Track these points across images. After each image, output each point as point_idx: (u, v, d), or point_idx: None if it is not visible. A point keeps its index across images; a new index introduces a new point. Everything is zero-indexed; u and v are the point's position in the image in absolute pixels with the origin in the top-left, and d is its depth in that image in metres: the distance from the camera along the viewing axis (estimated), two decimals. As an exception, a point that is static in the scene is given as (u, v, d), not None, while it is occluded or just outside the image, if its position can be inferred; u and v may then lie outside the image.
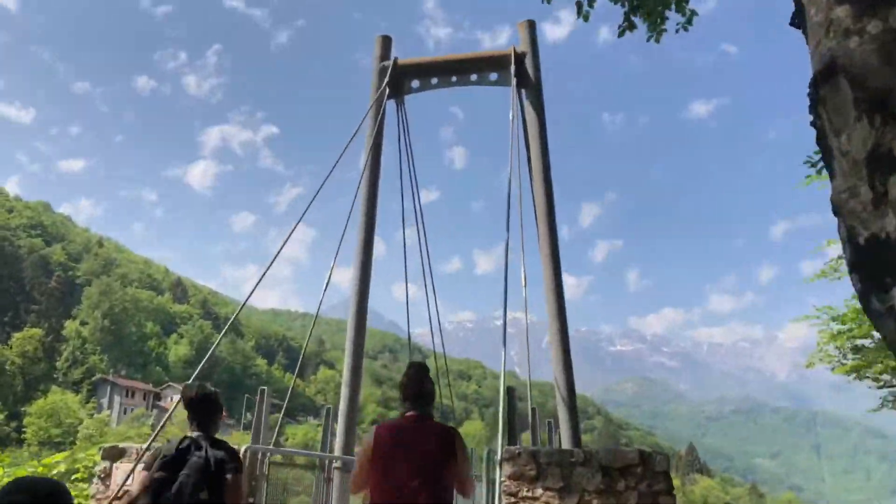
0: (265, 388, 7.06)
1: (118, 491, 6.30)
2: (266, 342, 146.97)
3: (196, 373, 7.78)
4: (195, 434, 4.01)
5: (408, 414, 3.54)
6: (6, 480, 7.71)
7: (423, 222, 14.42)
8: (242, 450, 6.42)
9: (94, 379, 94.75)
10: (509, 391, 6.46)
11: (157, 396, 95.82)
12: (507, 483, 5.64)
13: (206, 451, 3.84)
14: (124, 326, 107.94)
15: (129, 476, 6.31)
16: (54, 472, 7.89)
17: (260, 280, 7.65)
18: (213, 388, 4.29)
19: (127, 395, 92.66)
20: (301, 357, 10.28)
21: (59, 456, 7.81)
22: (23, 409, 77.88)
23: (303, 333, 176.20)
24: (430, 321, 15.01)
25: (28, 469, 7.65)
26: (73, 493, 7.91)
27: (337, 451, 10.41)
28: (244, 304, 7.72)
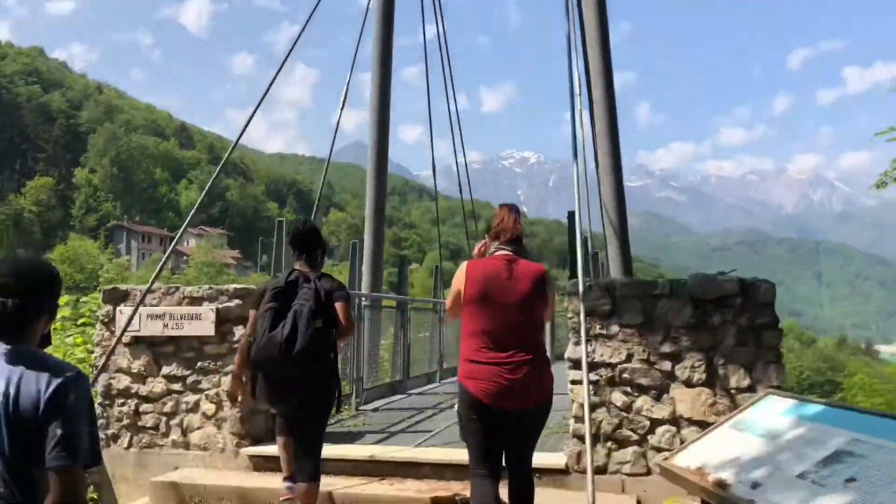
0: (282, 219, 6.17)
1: (121, 334, 5.50)
2: (276, 186, 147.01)
3: (195, 206, 6.80)
4: (302, 268, 4.06)
5: (499, 253, 3.49)
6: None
7: (446, 44, 12.72)
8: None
9: (109, 225, 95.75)
10: (570, 217, 5.66)
11: (173, 241, 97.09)
12: (576, 320, 4.78)
13: (315, 283, 3.91)
14: (133, 173, 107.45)
15: (131, 318, 5.49)
16: (59, 315, 7.11)
17: (253, 114, 6.50)
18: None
19: (143, 241, 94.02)
20: (318, 198, 9.24)
21: (60, 300, 7.01)
22: (45, 255, 79.21)
23: (311, 177, 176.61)
24: (457, 164, 13.81)
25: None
26: (80, 340, 7.18)
27: (364, 289, 9.72)
28: (238, 139, 6.62)
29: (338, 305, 3.88)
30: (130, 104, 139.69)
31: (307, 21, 7.74)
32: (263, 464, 5.38)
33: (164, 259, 5.01)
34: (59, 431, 1.72)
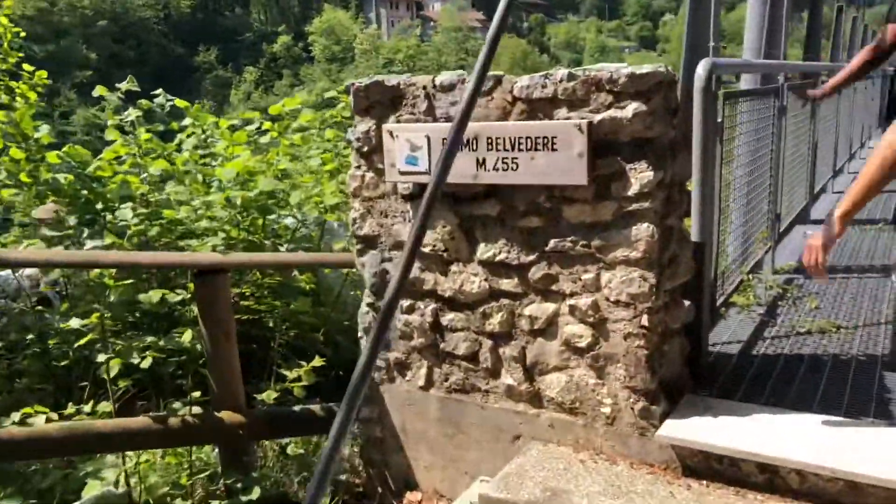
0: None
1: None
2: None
3: None
4: None
5: None
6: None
7: None
8: (702, 72, 2.37)
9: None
10: None
11: (420, 6, 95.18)
12: None
13: None
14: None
15: (431, 158, 2.54)
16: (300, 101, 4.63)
17: None
18: None
19: (391, 7, 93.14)
20: None
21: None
22: (305, 28, 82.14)
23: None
24: None
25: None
26: (332, 165, 4.58)
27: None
28: None
29: None
30: None
31: None
32: (704, 465, 2.52)
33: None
34: None
